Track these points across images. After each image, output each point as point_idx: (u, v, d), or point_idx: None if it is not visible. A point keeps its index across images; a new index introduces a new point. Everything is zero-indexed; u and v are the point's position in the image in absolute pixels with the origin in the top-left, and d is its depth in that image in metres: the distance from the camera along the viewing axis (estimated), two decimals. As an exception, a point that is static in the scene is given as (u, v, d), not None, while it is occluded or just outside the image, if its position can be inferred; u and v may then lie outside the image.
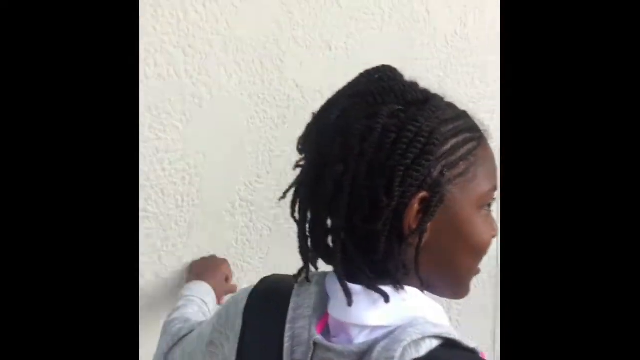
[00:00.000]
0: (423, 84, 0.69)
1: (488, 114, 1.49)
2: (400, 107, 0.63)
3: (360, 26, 1.36)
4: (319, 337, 0.64)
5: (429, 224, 0.62)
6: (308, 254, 0.68)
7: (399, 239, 0.62)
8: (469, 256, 0.66)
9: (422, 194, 0.61)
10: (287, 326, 0.67)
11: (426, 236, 0.62)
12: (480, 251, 0.67)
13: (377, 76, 0.67)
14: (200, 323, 0.92)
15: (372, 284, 0.63)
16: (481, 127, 0.69)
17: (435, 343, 0.59)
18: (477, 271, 0.69)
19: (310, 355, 0.64)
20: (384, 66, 0.68)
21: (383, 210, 0.60)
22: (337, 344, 0.63)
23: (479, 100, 1.52)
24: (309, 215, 0.67)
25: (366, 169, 0.61)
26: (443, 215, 0.63)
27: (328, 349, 0.63)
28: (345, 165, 0.61)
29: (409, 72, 0.69)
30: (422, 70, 1.43)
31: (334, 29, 1.32)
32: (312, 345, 0.64)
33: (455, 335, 0.61)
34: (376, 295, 0.63)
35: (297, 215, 0.68)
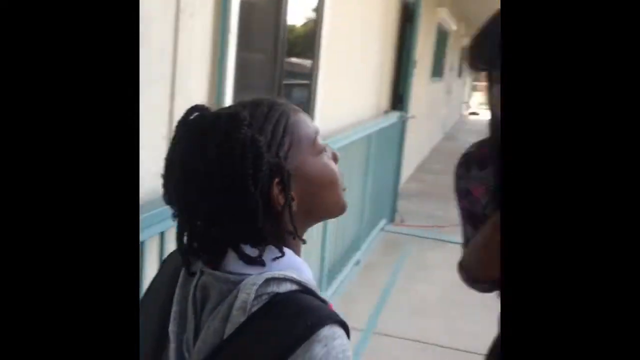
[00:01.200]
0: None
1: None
2: (219, 137, 0.70)
3: None
4: (205, 267, 0.76)
5: (293, 193, 0.74)
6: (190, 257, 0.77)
7: (277, 218, 0.74)
8: (330, 191, 0.80)
9: (275, 180, 0.72)
10: (184, 267, 0.78)
11: (296, 202, 0.75)
12: (335, 182, 0.80)
13: (191, 118, 0.74)
14: None
15: (252, 260, 0.73)
16: (281, 102, 0.78)
17: (294, 287, 0.72)
18: (343, 188, 0.82)
19: (196, 281, 0.76)
20: (191, 108, 0.75)
21: (256, 210, 0.71)
22: (217, 272, 0.74)
23: None
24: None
25: (227, 194, 0.70)
26: (297, 179, 0.75)
27: (210, 275, 0.75)
28: (210, 202, 0.71)
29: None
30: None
31: None
32: (199, 273, 0.76)
33: (313, 287, 0.74)
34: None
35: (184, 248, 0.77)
